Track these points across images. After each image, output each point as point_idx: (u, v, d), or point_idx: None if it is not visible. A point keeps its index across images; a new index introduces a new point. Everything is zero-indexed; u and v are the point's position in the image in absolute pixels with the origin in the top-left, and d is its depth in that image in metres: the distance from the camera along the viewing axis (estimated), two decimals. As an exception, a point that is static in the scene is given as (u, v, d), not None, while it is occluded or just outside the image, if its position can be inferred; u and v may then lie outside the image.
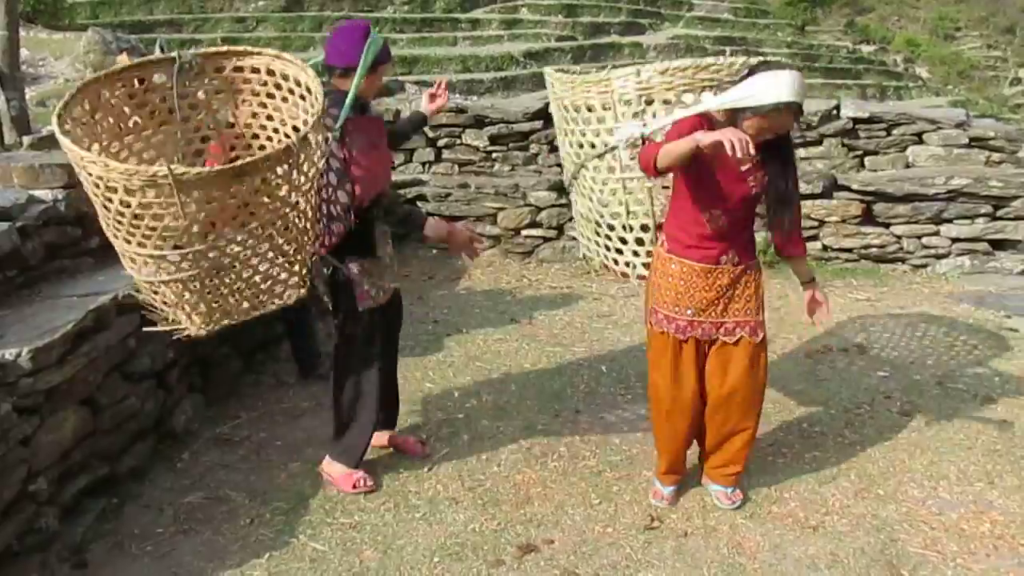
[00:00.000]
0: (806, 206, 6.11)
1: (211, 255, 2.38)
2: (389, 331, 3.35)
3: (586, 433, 3.72)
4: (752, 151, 2.45)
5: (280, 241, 2.51)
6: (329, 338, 4.61)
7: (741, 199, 2.83)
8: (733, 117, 2.66)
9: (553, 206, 6.52)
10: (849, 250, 6.34)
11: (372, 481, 3.27)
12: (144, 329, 2.69)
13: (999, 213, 6.11)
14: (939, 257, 6.26)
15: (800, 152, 6.77)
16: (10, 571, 2.61)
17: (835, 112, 6.70)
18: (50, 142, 5.76)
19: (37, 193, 3.64)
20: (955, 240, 6.21)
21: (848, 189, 6.23)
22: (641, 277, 3.27)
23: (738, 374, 2.96)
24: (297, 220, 2.52)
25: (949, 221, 6.17)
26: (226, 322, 2.61)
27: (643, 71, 3.02)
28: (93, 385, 3.10)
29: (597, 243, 3.42)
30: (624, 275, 3.37)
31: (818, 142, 6.74)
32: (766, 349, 3.02)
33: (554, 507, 3.15)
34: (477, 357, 4.61)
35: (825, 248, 6.39)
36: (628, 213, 3.23)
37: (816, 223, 6.31)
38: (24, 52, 7.07)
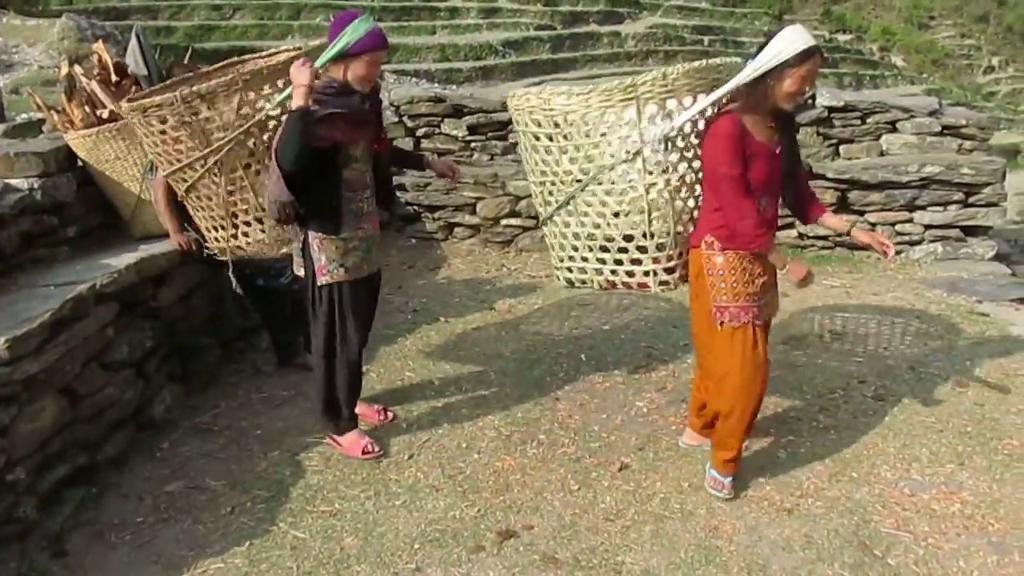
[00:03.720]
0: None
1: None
2: (360, 311, 3.34)
3: (565, 420, 3.75)
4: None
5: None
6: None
7: (776, 178, 2.98)
8: (756, 92, 2.78)
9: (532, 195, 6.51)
10: (824, 237, 6.39)
11: (379, 447, 3.40)
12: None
13: (971, 200, 6.18)
14: (912, 244, 6.32)
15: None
16: (-11, 561, 2.61)
17: (810, 101, 6.73)
18: (25, 130, 5.68)
19: (12, 182, 3.62)
20: (928, 227, 6.27)
21: (823, 177, 6.27)
22: (664, 283, 3.15)
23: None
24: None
25: (922, 208, 6.24)
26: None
27: (668, 72, 2.89)
28: (71, 374, 3.09)
29: (603, 261, 3.20)
30: (643, 286, 3.20)
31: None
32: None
33: (533, 493, 3.18)
34: (457, 346, 4.63)
35: (800, 236, 6.44)
36: (651, 220, 3.03)
37: (792, 211, 6.34)
38: (-3, 39, 6.96)
